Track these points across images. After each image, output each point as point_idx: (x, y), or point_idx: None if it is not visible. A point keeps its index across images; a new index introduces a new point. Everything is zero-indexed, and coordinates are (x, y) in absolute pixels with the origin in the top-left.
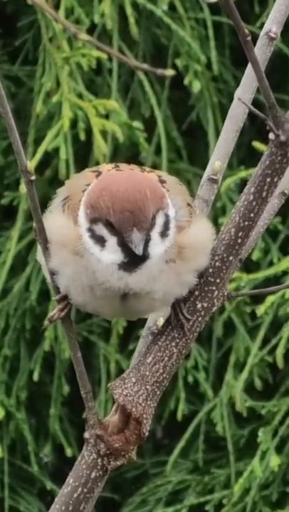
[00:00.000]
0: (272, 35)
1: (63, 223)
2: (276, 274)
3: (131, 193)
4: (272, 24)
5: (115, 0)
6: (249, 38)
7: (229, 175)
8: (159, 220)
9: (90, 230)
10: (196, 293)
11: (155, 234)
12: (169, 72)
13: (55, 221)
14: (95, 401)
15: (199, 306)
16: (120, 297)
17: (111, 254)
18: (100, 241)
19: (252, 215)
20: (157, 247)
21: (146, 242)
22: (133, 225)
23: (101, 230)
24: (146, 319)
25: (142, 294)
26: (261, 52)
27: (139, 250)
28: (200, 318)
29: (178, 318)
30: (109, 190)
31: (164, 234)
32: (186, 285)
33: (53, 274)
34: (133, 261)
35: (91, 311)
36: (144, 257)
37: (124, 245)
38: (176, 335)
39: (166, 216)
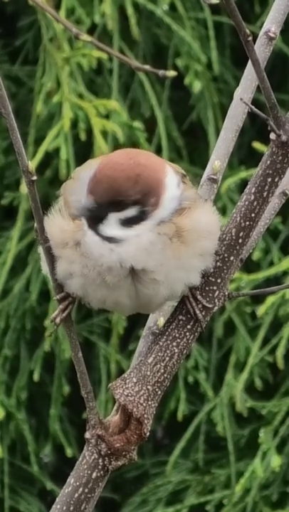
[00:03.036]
0: (272, 34)
1: (62, 221)
2: (276, 274)
3: (120, 171)
4: (271, 24)
5: (116, 0)
6: (250, 39)
7: (230, 175)
8: (129, 212)
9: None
10: (198, 292)
11: (114, 218)
12: (171, 74)
13: (54, 222)
14: (96, 401)
15: (200, 306)
16: (130, 282)
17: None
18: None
19: (253, 215)
20: (110, 230)
21: (100, 218)
22: (91, 193)
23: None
24: (146, 319)
25: (144, 275)
26: (260, 51)
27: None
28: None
29: (191, 305)
30: (110, 162)
31: (127, 223)
32: (193, 270)
33: (60, 285)
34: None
35: (111, 306)
36: (95, 230)
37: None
38: (177, 335)
39: (142, 212)
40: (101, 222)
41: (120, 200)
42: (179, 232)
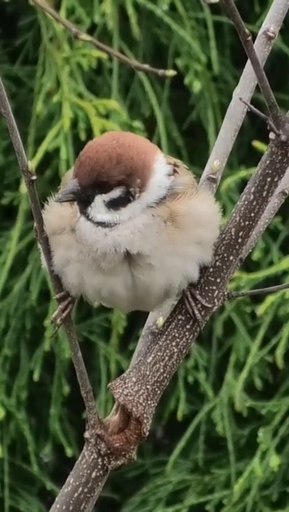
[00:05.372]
0: (270, 34)
1: (60, 208)
2: (276, 274)
3: (102, 151)
4: (270, 23)
5: (116, 0)
6: (250, 38)
7: (229, 174)
8: (113, 193)
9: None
10: (198, 292)
11: (99, 200)
12: (170, 73)
13: (53, 210)
14: (95, 401)
15: (200, 305)
16: (128, 269)
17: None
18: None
19: (252, 214)
20: (99, 214)
21: (87, 202)
22: (75, 176)
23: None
24: (145, 319)
25: (139, 259)
26: (259, 51)
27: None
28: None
29: (190, 305)
30: (93, 147)
31: (113, 205)
32: (189, 259)
33: (57, 274)
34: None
35: (106, 297)
36: (83, 213)
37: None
38: (176, 334)
39: (128, 193)
40: (89, 205)
41: (104, 181)
42: (172, 216)
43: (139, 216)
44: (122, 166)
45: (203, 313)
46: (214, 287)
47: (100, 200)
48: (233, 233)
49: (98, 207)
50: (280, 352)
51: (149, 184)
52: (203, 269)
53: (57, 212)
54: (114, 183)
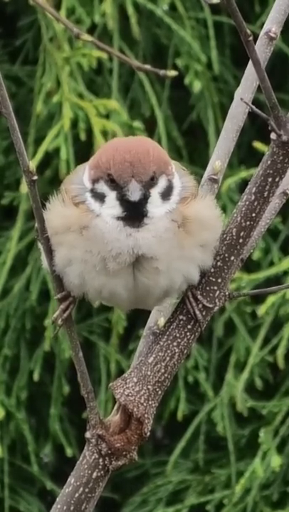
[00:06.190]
0: (272, 34)
1: (63, 208)
2: (277, 274)
3: (133, 147)
4: (272, 24)
5: (116, 0)
6: (251, 39)
7: (230, 175)
8: (161, 183)
9: (92, 190)
10: (199, 292)
11: (155, 193)
12: (172, 73)
13: (55, 210)
14: (96, 401)
15: (201, 306)
16: (132, 271)
17: (110, 209)
18: (100, 198)
19: (253, 215)
20: (157, 208)
21: (145, 198)
22: (131, 176)
23: (102, 187)
24: (146, 319)
25: (147, 263)
26: (261, 51)
27: (134, 197)
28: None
29: (191, 305)
30: (112, 146)
31: (165, 196)
32: (192, 262)
33: (58, 274)
34: (132, 215)
35: (107, 297)
36: (142, 213)
37: (122, 199)
38: (177, 334)
39: (169, 182)
40: (147, 201)
41: (152, 175)
42: (184, 221)
43: (162, 220)
44: (157, 158)
45: (204, 313)
46: (215, 287)
47: (155, 192)
48: (234, 233)
49: (155, 198)
50: (280, 352)
51: (176, 178)
52: (204, 271)
53: (59, 212)
54: (158, 174)
